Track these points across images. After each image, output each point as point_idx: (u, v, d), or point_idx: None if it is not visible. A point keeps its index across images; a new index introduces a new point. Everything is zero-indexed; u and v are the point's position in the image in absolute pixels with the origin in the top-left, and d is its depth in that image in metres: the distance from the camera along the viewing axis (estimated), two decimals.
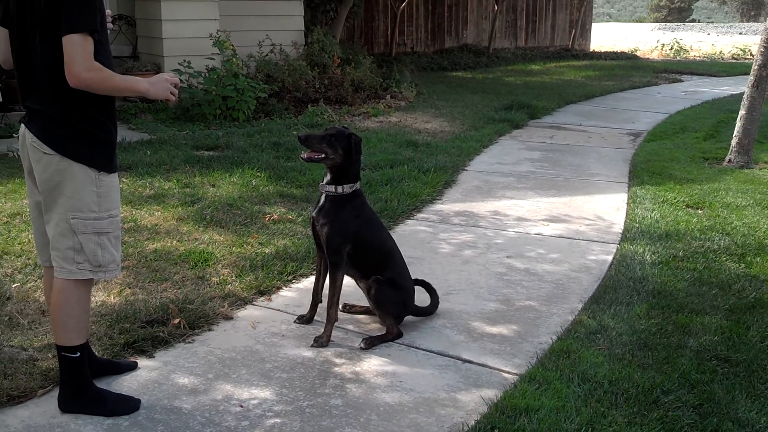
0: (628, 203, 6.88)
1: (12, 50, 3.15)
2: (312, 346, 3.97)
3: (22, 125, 3.18)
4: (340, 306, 4.25)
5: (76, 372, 3.26)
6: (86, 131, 3.10)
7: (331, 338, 4.02)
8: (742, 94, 8.67)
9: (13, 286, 4.48)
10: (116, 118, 3.29)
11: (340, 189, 4.00)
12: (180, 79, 3.60)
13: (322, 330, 4.04)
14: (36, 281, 4.52)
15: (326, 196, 4.03)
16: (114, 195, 3.23)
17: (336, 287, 4.03)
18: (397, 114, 11.30)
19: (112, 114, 3.23)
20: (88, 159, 3.11)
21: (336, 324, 4.10)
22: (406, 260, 4.33)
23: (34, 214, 3.32)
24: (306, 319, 4.26)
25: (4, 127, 8.97)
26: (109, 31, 3.29)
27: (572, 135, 10.50)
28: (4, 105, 9.35)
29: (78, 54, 2.91)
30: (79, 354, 3.23)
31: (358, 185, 4.08)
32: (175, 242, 5.30)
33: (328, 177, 4.03)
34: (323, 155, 3.93)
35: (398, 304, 4.14)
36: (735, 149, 8.53)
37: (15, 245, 5.11)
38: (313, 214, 4.08)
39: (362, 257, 4.08)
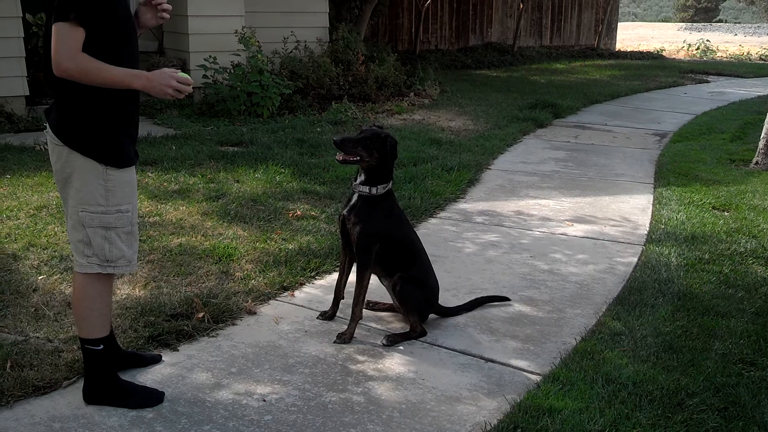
0: (653, 204, 6.82)
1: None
2: (335, 342, 3.97)
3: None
4: (364, 303, 4.25)
5: (100, 364, 3.29)
6: (91, 125, 3.05)
7: (354, 335, 4.03)
8: None
9: (39, 278, 4.53)
10: (131, 113, 3.18)
11: (374, 190, 3.96)
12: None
13: (345, 326, 4.05)
14: (61, 273, 4.57)
15: (359, 195, 4.00)
16: (125, 190, 3.17)
17: (363, 286, 4.01)
18: (420, 112, 11.29)
19: (123, 109, 3.12)
20: (94, 153, 3.07)
21: (359, 321, 4.10)
22: (429, 259, 4.31)
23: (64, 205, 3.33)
24: (329, 316, 4.26)
25: (31, 120, 9.06)
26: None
27: (597, 135, 10.43)
28: (31, 98, 9.44)
29: (61, 43, 2.87)
30: (102, 346, 3.26)
31: (390, 185, 4.05)
32: (199, 237, 5.33)
33: (362, 177, 3.98)
34: (358, 158, 3.89)
35: (423, 301, 4.14)
36: (762, 151, 8.42)
37: (41, 237, 5.16)
38: (344, 212, 4.04)
39: (389, 256, 4.06)
